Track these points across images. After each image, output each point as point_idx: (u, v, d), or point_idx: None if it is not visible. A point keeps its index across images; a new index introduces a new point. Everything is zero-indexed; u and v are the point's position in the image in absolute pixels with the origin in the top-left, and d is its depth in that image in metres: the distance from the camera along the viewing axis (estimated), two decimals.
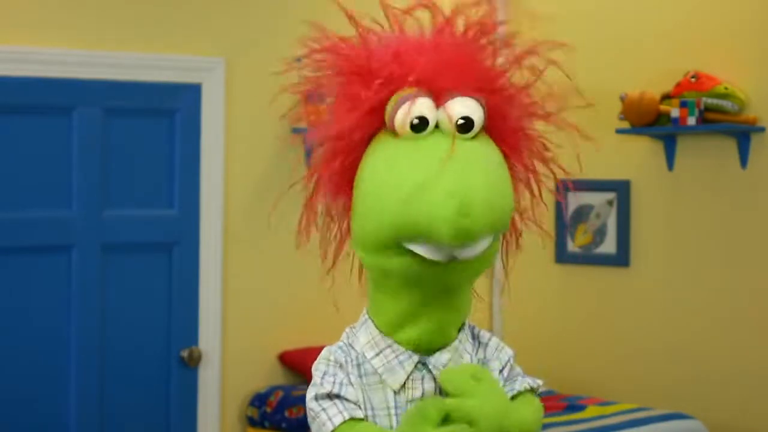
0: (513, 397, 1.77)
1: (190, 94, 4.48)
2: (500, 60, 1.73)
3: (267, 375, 4.70)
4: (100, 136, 4.27)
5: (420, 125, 1.66)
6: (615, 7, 4.98)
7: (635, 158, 4.91)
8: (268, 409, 4.53)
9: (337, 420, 1.70)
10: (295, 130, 4.66)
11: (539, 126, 1.78)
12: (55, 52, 4.18)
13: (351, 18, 1.72)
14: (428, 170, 1.60)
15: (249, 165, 4.64)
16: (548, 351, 5.12)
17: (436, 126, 1.67)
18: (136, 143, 4.38)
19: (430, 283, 1.67)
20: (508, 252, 1.84)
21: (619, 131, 4.80)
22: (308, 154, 1.84)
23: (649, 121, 4.68)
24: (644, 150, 4.88)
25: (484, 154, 1.67)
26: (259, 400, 4.59)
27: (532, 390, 1.81)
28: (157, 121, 4.43)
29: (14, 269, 4.13)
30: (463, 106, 1.67)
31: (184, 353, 4.47)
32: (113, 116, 4.31)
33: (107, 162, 4.29)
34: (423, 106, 1.66)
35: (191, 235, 4.50)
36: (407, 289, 1.69)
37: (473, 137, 1.68)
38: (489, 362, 1.79)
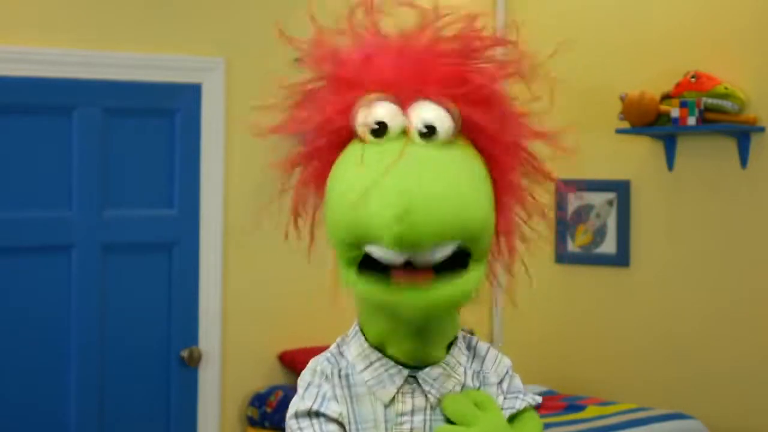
0: (513, 417, 1.74)
1: (190, 94, 4.48)
2: (477, 65, 1.67)
3: (267, 375, 4.70)
4: (100, 136, 4.27)
5: (379, 130, 1.62)
6: (615, 7, 4.98)
7: (635, 158, 4.91)
8: (268, 409, 4.53)
9: None
10: None
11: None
12: (55, 52, 4.18)
13: (314, 22, 1.71)
14: (373, 175, 1.57)
15: (249, 165, 4.64)
16: (548, 351, 5.12)
17: (405, 132, 1.63)
18: (136, 143, 4.38)
19: (401, 318, 1.64)
20: (507, 268, 1.78)
21: (619, 131, 4.81)
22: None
23: (649, 121, 4.69)
24: (644, 150, 4.88)
25: (445, 160, 1.60)
26: (259, 400, 4.59)
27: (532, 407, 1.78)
28: (157, 121, 4.43)
29: (14, 269, 4.13)
30: (427, 111, 1.62)
31: (184, 353, 4.47)
32: (113, 116, 4.30)
33: (107, 162, 4.29)
34: (382, 110, 1.62)
35: (191, 235, 4.50)
36: (380, 313, 1.67)
37: (445, 144, 1.62)
38: (486, 375, 1.76)
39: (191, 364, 4.49)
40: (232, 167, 4.59)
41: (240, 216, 4.62)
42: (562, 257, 5.13)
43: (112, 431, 4.33)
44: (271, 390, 4.59)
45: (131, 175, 4.36)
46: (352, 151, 1.65)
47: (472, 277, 1.63)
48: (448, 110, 1.62)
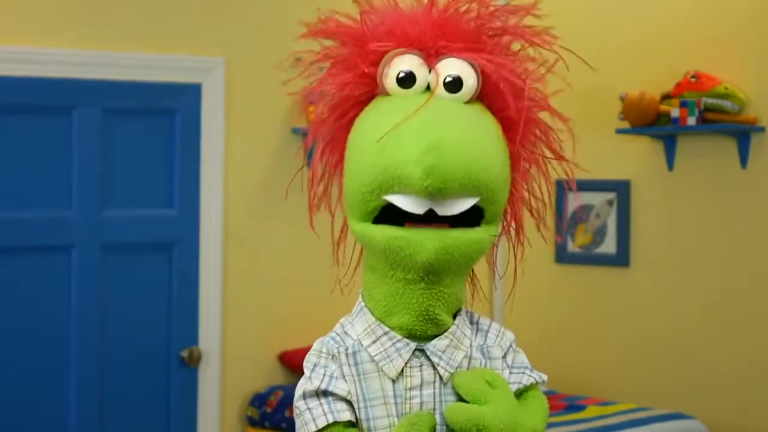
0: (519, 392, 1.75)
1: (190, 94, 4.49)
2: (498, 33, 1.72)
3: (267, 375, 4.70)
4: (100, 136, 4.27)
5: (406, 80, 1.66)
6: (615, 7, 4.98)
7: (635, 158, 4.91)
8: (268, 409, 4.53)
9: (321, 422, 1.66)
10: (296, 130, 4.67)
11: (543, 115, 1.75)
12: (55, 52, 4.18)
13: None
14: (403, 117, 1.60)
15: (249, 165, 4.64)
16: (548, 351, 5.11)
17: (429, 89, 1.67)
18: (136, 143, 4.38)
19: (415, 260, 1.63)
20: (515, 249, 1.80)
21: (619, 131, 4.81)
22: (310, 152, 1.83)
23: (649, 121, 4.69)
24: (644, 150, 4.88)
25: (470, 115, 1.65)
26: (259, 400, 4.59)
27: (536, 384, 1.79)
28: (157, 121, 4.43)
29: (14, 269, 4.13)
30: (454, 66, 1.66)
31: (184, 353, 4.47)
32: (113, 116, 4.31)
33: (107, 162, 4.29)
34: (410, 61, 1.67)
35: (191, 235, 4.50)
36: (393, 269, 1.67)
37: (469, 103, 1.67)
38: (490, 349, 1.76)
39: (191, 364, 4.49)
40: (232, 167, 4.59)
41: (240, 216, 4.62)
42: (562, 257, 5.13)
43: (112, 431, 4.33)
44: (271, 390, 4.59)
45: (131, 175, 4.36)
46: (377, 104, 1.69)
47: (485, 230, 1.66)
48: (473, 66, 1.66)
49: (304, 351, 4.98)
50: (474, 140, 1.60)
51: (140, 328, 4.39)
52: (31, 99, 4.16)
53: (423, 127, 1.57)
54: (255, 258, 4.68)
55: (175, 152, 4.46)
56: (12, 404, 4.12)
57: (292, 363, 4.63)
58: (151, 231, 4.42)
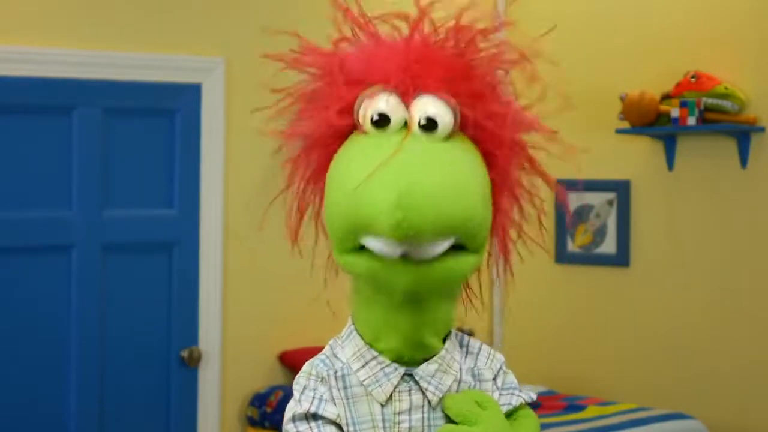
0: (509, 413, 1.75)
1: (190, 94, 4.49)
2: (479, 61, 1.69)
3: (267, 375, 4.70)
4: (100, 136, 4.27)
5: (381, 121, 1.64)
6: (615, 7, 4.99)
7: (635, 158, 4.91)
8: (268, 409, 4.53)
9: None
10: None
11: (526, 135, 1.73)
12: (55, 52, 4.18)
13: (338, 23, 1.72)
14: (374, 163, 1.57)
15: (249, 165, 4.64)
16: (548, 351, 5.12)
17: (407, 126, 1.64)
18: (136, 143, 4.38)
19: (395, 288, 1.63)
20: (503, 266, 1.78)
21: (619, 131, 4.81)
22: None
23: (649, 121, 4.69)
24: (644, 150, 4.88)
25: (445, 154, 1.62)
26: (259, 400, 4.59)
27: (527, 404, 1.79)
28: (157, 121, 4.43)
29: (14, 269, 4.13)
30: (429, 105, 1.63)
31: (184, 353, 4.47)
32: (113, 116, 4.31)
33: (107, 162, 4.29)
34: (385, 102, 1.64)
35: (191, 235, 4.50)
36: (377, 294, 1.66)
37: (445, 139, 1.64)
38: (481, 371, 1.76)
39: (191, 364, 4.49)
40: (232, 167, 4.59)
41: (240, 216, 4.62)
42: (562, 257, 5.13)
43: (112, 431, 4.33)
44: (271, 390, 4.59)
45: (131, 175, 4.36)
46: (353, 142, 1.67)
47: (469, 259, 1.64)
48: (449, 105, 1.64)
49: (304, 351, 4.98)
50: (450, 182, 1.58)
51: (140, 328, 4.39)
52: (31, 99, 4.16)
53: (396, 174, 1.55)
54: (255, 258, 4.68)
55: (175, 152, 4.46)
56: (12, 404, 4.12)
57: (292, 363, 4.63)
58: (151, 231, 4.42)
